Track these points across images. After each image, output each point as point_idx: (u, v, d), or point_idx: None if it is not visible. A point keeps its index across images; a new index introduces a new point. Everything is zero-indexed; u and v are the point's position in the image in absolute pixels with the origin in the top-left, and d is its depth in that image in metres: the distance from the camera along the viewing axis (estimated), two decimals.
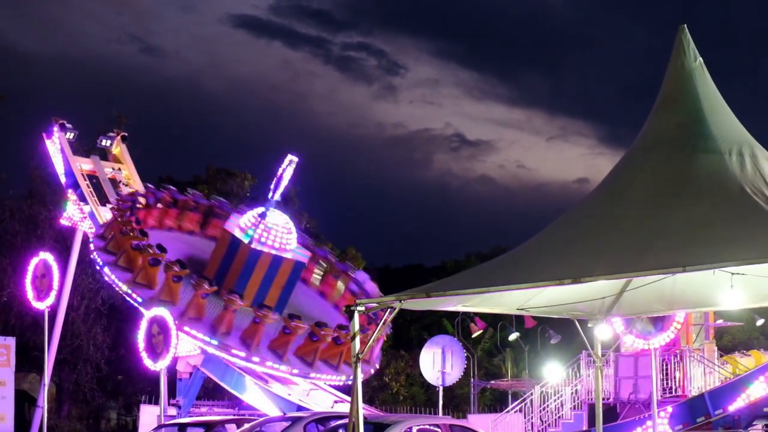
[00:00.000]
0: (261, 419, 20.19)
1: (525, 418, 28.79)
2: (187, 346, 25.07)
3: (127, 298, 25.19)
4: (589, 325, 15.56)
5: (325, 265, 29.81)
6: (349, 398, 26.84)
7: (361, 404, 12.12)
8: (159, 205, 28.54)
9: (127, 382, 38.35)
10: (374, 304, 13.21)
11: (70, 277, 29.47)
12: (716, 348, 29.17)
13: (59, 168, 30.02)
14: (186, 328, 23.39)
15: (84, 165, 30.09)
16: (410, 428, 16.16)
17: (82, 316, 34.50)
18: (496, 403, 41.07)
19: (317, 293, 29.61)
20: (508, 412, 29.73)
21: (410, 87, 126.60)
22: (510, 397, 34.90)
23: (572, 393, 28.20)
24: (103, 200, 28.80)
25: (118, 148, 31.21)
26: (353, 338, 12.16)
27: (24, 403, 34.61)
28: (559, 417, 28.24)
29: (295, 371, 24.89)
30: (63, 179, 29.99)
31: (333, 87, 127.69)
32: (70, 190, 29.49)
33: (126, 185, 30.04)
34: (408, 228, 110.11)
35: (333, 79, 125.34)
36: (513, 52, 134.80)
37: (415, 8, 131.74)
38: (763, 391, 23.99)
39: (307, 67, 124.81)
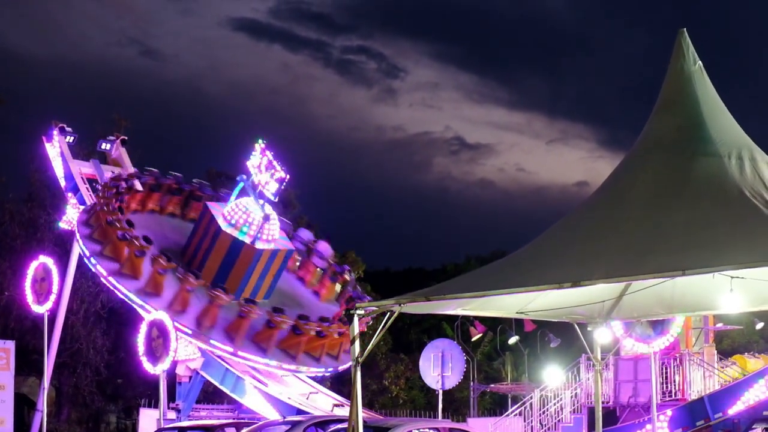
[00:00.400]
0: (260, 423, 20.18)
1: (525, 421, 28.76)
2: (187, 350, 25.13)
3: (114, 290, 25.65)
4: (588, 329, 15.56)
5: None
6: (328, 392, 27.32)
7: (360, 408, 12.12)
8: (142, 189, 28.94)
9: (127, 385, 38.30)
10: (374, 308, 13.19)
11: (70, 280, 29.46)
12: (716, 351, 29.18)
13: (59, 171, 30.06)
14: (175, 324, 23.65)
15: (84, 168, 30.15)
16: None
17: (82, 319, 34.45)
18: (495, 406, 41.01)
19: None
20: (507, 415, 29.71)
21: (410, 90, 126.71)
22: (510, 400, 34.85)
23: (572, 396, 28.19)
24: None
25: (118, 152, 31.26)
26: (353, 342, 12.16)
27: (23, 406, 34.56)
28: (558, 420, 28.23)
29: (276, 363, 25.43)
30: (63, 183, 30.03)
31: (333, 90, 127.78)
32: (69, 194, 29.54)
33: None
34: (408, 231, 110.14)
35: (333, 83, 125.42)
36: (513, 56, 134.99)
37: (415, 11, 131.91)
38: (762, 394, 23.99)
39: (307, 71, 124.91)
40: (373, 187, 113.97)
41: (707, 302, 14.27)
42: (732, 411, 24.23)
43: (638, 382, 26.67)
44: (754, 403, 24.06)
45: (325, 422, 18.65)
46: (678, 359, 26.47)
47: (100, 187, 28.01)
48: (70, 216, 29.18)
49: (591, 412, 25.26)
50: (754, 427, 23.63)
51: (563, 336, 31.84)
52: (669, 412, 24.90)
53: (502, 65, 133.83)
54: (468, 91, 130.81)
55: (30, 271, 24.97)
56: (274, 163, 26.52)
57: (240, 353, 24.93)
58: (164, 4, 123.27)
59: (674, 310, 15.35)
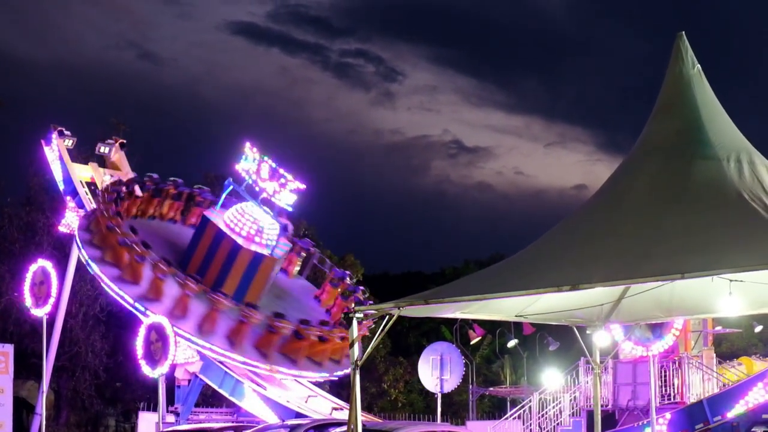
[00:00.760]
0: (259, 426, 20.17)
1: (524, 425, 28.73)
2: (186, 353, 25.13)
3: (114, 296, 25.61)
4: (587, 332, 15.56)
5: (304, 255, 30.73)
6: (327, 395, 27.29)
7: (359, 411, 12.11)
8: (142, 194, 28.92)
9: (126, 389, 38.28)
10: (373, 311, 13.18)
11: (69, 284, 29.45)
12: (714, 355, 29.17)
13: (57, 175, 30.05)
14: (175, 328, 23.65)
15: (82, 172, 30.13)
16: None
17: (81, 323, 34.43)
18: (494, 409, 41.04)
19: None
20: (506, 419, 29.68)
21: (408, 94, 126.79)
22: (509, 403, 34.85)
23: (571, 400, 28.18)
24: None
25: (117, 155, 31.26)
26: (352, 345, 12.16)
27: (22, 410, 34.54)
28: (557, 424, 28.21)
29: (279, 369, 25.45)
30: (61, 186, 30.02)
31: (331, 94, 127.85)
32: (68, 197, 29.53)
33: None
34: (406, 235, 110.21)
35: (331, 86, 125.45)
36: (511, 59, 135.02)
37: (413, 15, 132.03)
38: (761, 397, 23.97)
39: (305, 74, 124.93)
40: (371, 190, 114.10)
41: (706, 305, 14.25)
42: (731, 414, 24.21)
43: (637, 385, 26.64)
44: (753, 406, 24.05)
45: (324, 425, 18.64)
46: (677, 362, 26.46)
47: (99, 192, 27.97)
48: (69, 219, 29.17)
49: (590, 415, 25.25)
50: (753, 430, 23.63)
51: (562, 339, 31.83)
52: (668, 416, 24.87)
53: (500, 68, 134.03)
54: (466, 94, 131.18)
55: (29, 275, 24.90)
56: (282, 171, 26.40)
57: (272, 367, 25.06)
58: (162, 8, 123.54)
59: (673, 313, 15.34)
